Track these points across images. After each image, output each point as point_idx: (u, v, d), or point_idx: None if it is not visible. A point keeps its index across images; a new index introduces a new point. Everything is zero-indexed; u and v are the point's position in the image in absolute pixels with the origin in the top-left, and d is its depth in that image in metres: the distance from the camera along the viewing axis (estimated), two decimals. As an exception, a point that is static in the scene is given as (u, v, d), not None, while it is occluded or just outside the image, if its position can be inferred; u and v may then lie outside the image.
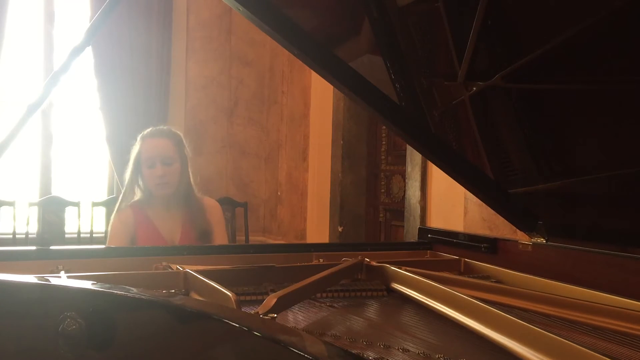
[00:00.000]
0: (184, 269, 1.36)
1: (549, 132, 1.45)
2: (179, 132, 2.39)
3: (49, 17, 4.34)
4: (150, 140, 2.31)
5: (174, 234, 2.31)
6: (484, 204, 1.72)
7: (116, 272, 1.34)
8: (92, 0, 4.19)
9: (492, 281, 1.53)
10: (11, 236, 3.57)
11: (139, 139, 2.34)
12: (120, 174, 4.29)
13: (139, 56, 4.34)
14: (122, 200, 2.35)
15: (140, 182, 2.31)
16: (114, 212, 2.37)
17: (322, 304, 1.33)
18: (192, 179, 2.36)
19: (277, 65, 4.83)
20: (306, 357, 0.74)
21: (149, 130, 2.36)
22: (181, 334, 0.92)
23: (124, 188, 2.37)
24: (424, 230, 1.93)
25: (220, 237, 2.38)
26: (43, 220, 3.54)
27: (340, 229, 4.20)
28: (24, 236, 3.60)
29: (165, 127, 2.41)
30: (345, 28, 1.63)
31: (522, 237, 1.65)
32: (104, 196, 4.40)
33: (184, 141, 2.36)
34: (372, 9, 1.51)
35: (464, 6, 1.41)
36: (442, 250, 1.81)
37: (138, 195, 2.34)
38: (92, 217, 3.72)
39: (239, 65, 4.87)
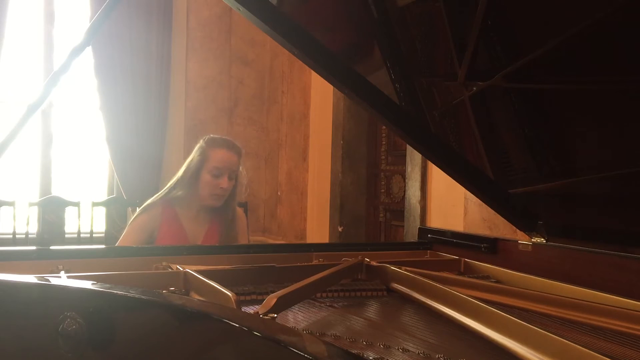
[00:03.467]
0: (184, 269, 1.36)
1: (549, 132, 1.45)
2: (242, 149, 2.42)
3: (49, 17, 4.33)
4: (224, 151, 2.33)
5: (197, 236, 2.35)
6: (484, 204, 1.72)
7: (116, 272, 1.34)
8: (92, 0, 4.19)
9: (492, 281, 1.53)
10: (11, 236, 3.56)
11: (206, 144, 2.35)
12: (121, 174, 4.30)
13: (139, 56, 4.34)
14: (167, 194, 2.35)
15: (191, 184, 2.32)
16: (147, 203, 2.38)
17: (322, 304, 1.33)
18: (237, 195, 2.41)
19: (277, 65, 4.83)
20: (306, 357, 0.74)
21: (220, 138, 2.38)
22: (181, 334, 0.92)
23: (174, 184, 2.36)
24: (424, 230, 1.93)
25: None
26: (43, 220, 3.53)
27: (340, 229, 4.20)
28: (24, 236, 3.60)
29: (232, 141, 2.41)
30: (345, 28, 1.63)
31: (522, 237, 1.65)
32: (104, 196, 4.40)
33: (242, 159, 2.41)
34: (372, 9, 1.51)
35: (464, 6, 1.41)
36: (442, 250, 1.81)
37: (173, 192, 2.36)
38: (92, 217, 3.72)
39: (239, 65, 4.87)
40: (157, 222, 2.32)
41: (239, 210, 2.53)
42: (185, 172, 2.35)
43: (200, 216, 2.37)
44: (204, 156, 2.32)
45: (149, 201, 2.39)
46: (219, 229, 2.39)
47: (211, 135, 2.42)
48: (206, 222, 2.38)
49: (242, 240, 2.48)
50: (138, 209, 2.43)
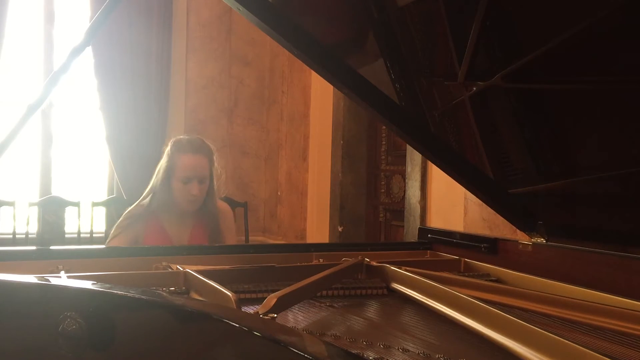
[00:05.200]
0: (184, 269, 1.36)
1: (548, 132, 1.45)
2: (212, 147, 2.36)
3: (49, 17, 4.34)
4: (190, 157, 2.27)
5: (182, 238, 2.32)
6: (484, 204, 1.72)
7: (116, 272, 1.34)
8: (92, 0, 4.19)
9: (492, 281, 1.53)
10: (11, 236, 3.57)
11: (173, 149, 2.28)
12: (121, 174, 4.30)
13: (139, 56, 4.34)
14: (149, 204, 2.31)
15: (164, 191, 2.29)
16: (127, 212, 2.34)
17: (322, 304, 1.33)
18: (216, 192, 2.36)
19: (277, 65, 4.83)
20: (306, 357, 0.74)
21: (185, 141, 2.31)
22: (181, 334, 0.92)
23: (151, 194, 2.31)
24: (424, 230, 1.93)
25: (229, 243, 2.39)
26: (43, 220, 3.53)
27: (340, 229, 4.20)
28: (24, 236, 3.60)
29: (200, 141, 2.34)
30: (345, 28, 1.63)
31: (522, 237, 1.65)
32: (104, 196, 4.41)
33: (215, 156, 2.35)
34: (372, 9, 1.51)
35: (464, 6, 1.41)
36: (442, 250, 1.81)
37: (146, 195, 2.33)
38: (92, 217, 3.72)
39: (239, 65, 4.87)
40: (141, 229, 2.28)
41: (224, 206, 2.47)
42: (157, 179, 2.30)
43: (184, 218, 2.33)
44: (171, 163, 2.27)
45: (127, 216, 2.32)
46: (204, 231, 2.35)
47: (178, 138, 2.35)
48: (190, 223, 2.34)
49: (230, 236, 2.42)
50: (117, 223, 2.35)
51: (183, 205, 2.29)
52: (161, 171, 2.29)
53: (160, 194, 2.29)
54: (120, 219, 2.35)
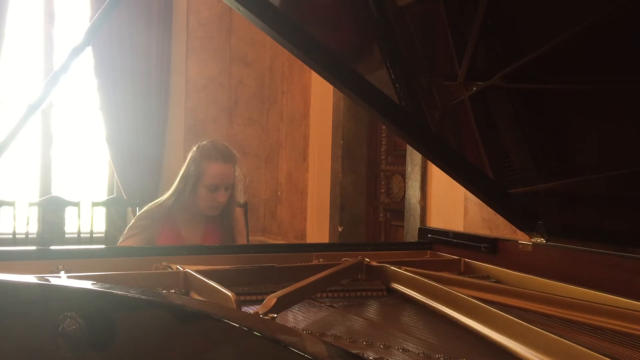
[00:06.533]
0: (184, 269, 1.36)
1: (548, 132, 1.45)
2: (237, 154, 2.37)
3: (49, 17, 4.34)
4: (219, 165, 2.27)
5: (195, 238, 2.34)
6: (484, 204, 1.72)
7: (116, 272, 1.34)
8: (92, 0, 4.19)
9: (492, 281, 1.53)
10: (11, 236, 3.57)
11: (201, 156, 2.28)
12: (121, 174, 4.30)
13: (139, 56, 4.34)
14: (170, 206, 2.31)
15: (189, 197, 2.29)
16: (144, 212, 2.35)
17: (322, 304, 1.33)
18: (237, 198, 2.38)
19: (277, 65, 4.83)
20: (306, 357, 0.74)
21: (214, 149, 2.31)
22: (181, 334, 0.92)
23: (174, 197, 2.31)
24: (424, 230, 1.93)
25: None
26: (43, 220, 3.53)
27: (340, 229, 4.20)
28: (24, 236, 3.60)
29: (228, 149, 2.34)
30: (345, 28, 1.63)
31: (522, 237, 1.65)
32: (104, 196, 4.41)
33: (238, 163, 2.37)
34: (372, 9, 1.51)
35: (464, 6, 1.41)
36: (442, 250, 1.81)
37: (169, 198, 2.34)
38: (92, 217, 3.72)
39: (239, 65, 4.87)
40: (158, 228, 2.30)
41: (238, 211, 2.50)
42: (181, 184, 2.30)
43: (197, 219, 2.35)
44: (199, 170, 2.27)
45: (145, 215, 2.33)
46: (217, 232, 2.38)
47: (205, 144, 2.34)
48: (202, 224, 2.37)
49: (241, 239, 2.47)
50: (134, 220, 2.36)
51: (205, 210, 2.31)
52: (188, 177, 2.29)
53: (184, 199, 2.29)
54: (138, 217, 2.36)
